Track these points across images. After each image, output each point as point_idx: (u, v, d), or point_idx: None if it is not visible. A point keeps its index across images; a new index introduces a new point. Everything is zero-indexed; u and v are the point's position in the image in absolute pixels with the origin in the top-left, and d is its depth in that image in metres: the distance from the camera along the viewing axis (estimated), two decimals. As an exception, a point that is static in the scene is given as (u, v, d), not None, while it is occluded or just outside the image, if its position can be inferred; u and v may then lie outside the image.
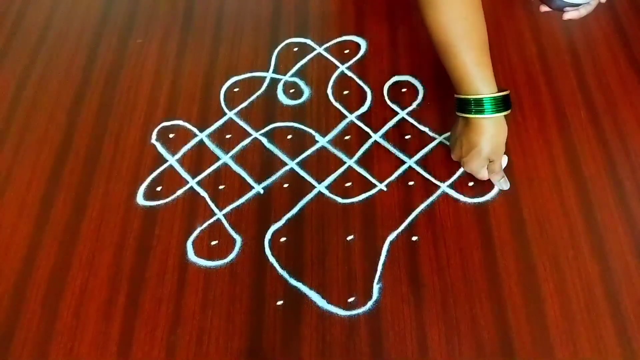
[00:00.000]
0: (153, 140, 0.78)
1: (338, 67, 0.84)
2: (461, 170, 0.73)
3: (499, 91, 0.64)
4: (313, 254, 0.68)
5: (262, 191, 0.73)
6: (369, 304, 0.64)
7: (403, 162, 0.74)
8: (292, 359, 0.61)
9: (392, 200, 0.71)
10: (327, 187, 0.73)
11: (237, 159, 0.76)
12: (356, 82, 0.82)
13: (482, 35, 0.65)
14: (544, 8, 0.77)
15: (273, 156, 0.76)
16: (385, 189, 0.72)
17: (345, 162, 0.75)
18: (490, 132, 0.65)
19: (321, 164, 0.75)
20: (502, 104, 0.64)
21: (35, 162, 0.77)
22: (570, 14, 0.75)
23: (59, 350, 0.63)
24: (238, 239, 0.69)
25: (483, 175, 0.70)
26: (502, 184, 0.70)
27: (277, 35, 0.88)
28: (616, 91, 0.79)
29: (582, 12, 0.75)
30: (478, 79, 0.64)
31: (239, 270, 0.67)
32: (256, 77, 0.84)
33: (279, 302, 0.65)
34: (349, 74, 0.83)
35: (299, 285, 0.66)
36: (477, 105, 0.64)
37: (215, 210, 0.72)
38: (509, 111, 0.65)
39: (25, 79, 0.85)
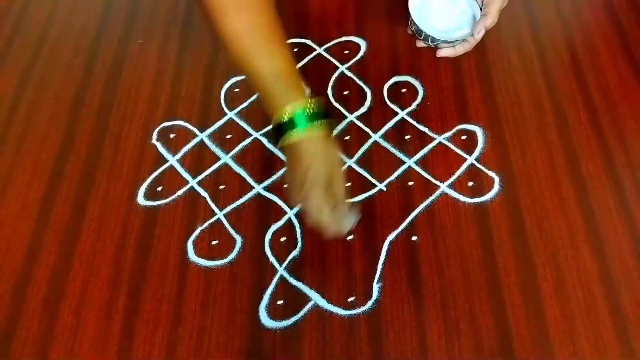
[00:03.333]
0: (154, 140, 0.78)
1: (338, 68, 0.84)
2: (461, 170, 0.73)
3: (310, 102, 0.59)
4: (313, 254, 0.68)
5: (262, 191, 0.73)
6: (369, 303, 0.64)
7: (403, 162, 0.75)
8: (292, 359, 0.61)
9: (391, 200, 0.71)
10: (327, 187, 0.73)
11: (237, 159, 0.76)
12: (356, 83, 0.82)
13: (280, 45, 0.61)
14: (420, 44, 0.78)
15: (273, 156, 0.76)
16: (385, 189, 0.73)
17: (345, 162, 0.75)
18: (316, 150, 0.58)
19: (321, 164, 0.75)
20: (314, 113, 0.58)
21: (36, 162, 0.77)
22: (444, 52, 0.76)
23: (60, 350, 0.63)
24: (238, 239, 0.70)
25: (326, 218, 0.59)
26: (348, 221, 0.62)
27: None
28: (615, 91, 0.79)
29: (459, 49, 0.76)
30: (282, 98, 0.58)
31: (239, 270, 0.67)
32: (256, 78, 0.84)
33: (279, 302, 0.65)
34: (349, 74, 0.83)
35: (299, 285, 0.66)
36: (291, 125, 0.58)
37: (216, 210, 0.72)
38: (326, 119, 0.59)
39: (25, 79, 0.85)
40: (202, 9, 0.62)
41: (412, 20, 0.75)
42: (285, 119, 0.58)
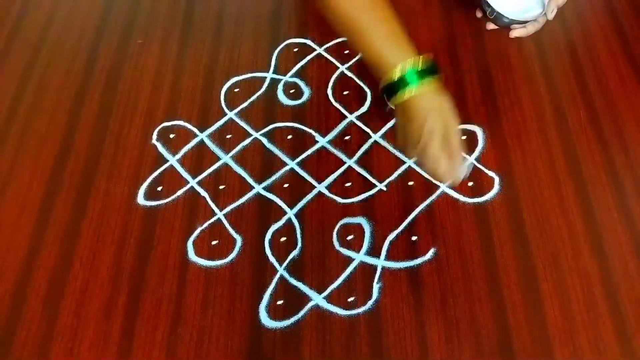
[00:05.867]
0: (154, 140, 0.78)
1: (338, 68, 0.84)
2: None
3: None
4: (313, 254, 0.68)
5: (262, 191, 0.73)
6: (369, 303, 0.64)
7: (403, 162, 0.75)
8: (292, 359, 0.61)
9: (391, 200, 0.71)
10: (327, 187, 0.73)
11: (237, 159, 0.76)
12: (356, 83, 0.82)
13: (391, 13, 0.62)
14: (490, 26, 0.78)
15: (273, 156, 0.76)
16: (385, 188, 0.73)
17: (345, 162, 0.75)
18: (431, 104, 0.60)
19: (321, 164, 0.75)
20: (425, 69, 0.59)
21: (36, 162, 0.77)
22: (517, 32, 0.76)
23: (60, 350, 0.63)
24: (238, 239, 0.70)
25: (443, 167, 0.60)
26: (462, 170, 0.63)
27: (277, 36, 0.88)
28: (615, 91, 0.79)
29: (530, 29, 0.76)
30: (392, 58, 0.60)
31: (239, 270, 0.67)
32: (256, 78, 0.84)
33: (279, 302, 0.65)
34: (349, 74, 0.83)
35: (299, 285, 0.66)
36: (402, 83, 0.59)
37: (216, 210, 0.72)
38: (436, 75, 0.61)
39: (26, 79, 0.85)
40: None
41: (487, 2, 0.74)
42: (396, 78, 0.59)
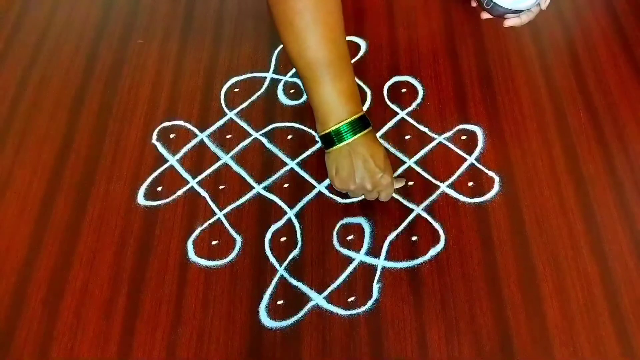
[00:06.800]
0: (154, 140, 0.78)
1: (338, 68, 0.84)
2: (461, 170, 0.73)
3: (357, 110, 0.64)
4: (313, 254, 0.68)
5: (262, 191, 0.73)
6: (369, 303, 0.64)
7: (403, 162, 0.75)
8: (292, 359, 0.61)
9: (392, 200, 0.71)
10: (327, 187, 0.73)
11: (237, 159, 0.76)
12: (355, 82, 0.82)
13: (341, 57, 0.63)
14: (485, 15, 0.78)
15: (273, 156, 0.76)
16: (385, 189, 0.73)
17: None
18: (360, 154, 0.64)
19: (321, 164, 0.75)
20: (358, 124, 0.63)
21: (36, 162, 0.77)
22: (511, 21, 0.76)
23: (60, 350, 0.63)
24: (238, 239, 0.70)
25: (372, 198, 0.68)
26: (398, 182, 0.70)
27: (277, 36, 0.88)
28: (615, 91, 0.79)
29: (524, 18, 0.76)
30: (333, 113, 0.63)
31: (239, 270, 0.67)
32: (256, 78, 0.84)
33: (279, 302, 0.65)
34: (349, 74, 0.83)
35: (299, 285, 0.66)
36: (338, 135, 0.63)
37: (216, 210, 0.72)
38: (369, 129, 0.64)
39: (26, 79, 0.85)
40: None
41: None
42: (332, 132, 0.63)
